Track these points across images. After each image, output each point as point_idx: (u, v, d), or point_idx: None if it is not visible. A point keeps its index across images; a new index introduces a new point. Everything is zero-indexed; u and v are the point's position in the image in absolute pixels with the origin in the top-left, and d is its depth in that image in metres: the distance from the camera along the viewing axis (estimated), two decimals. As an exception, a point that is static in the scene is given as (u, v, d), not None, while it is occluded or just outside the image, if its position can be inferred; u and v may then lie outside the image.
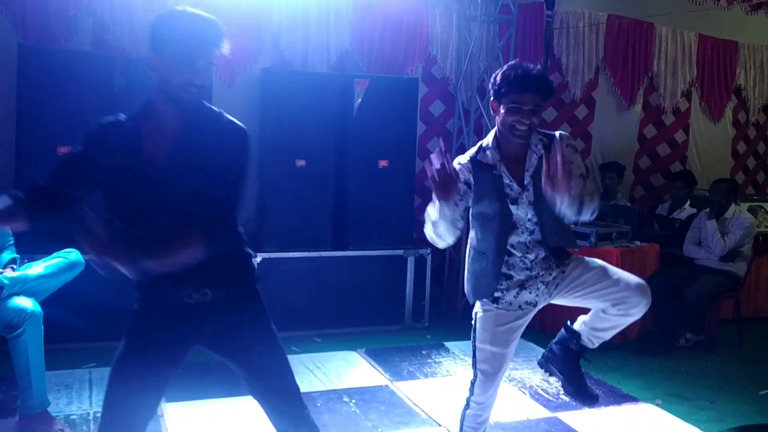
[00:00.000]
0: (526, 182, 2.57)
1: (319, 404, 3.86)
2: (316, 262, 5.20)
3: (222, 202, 2.03)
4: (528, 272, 2.63)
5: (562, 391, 4.20)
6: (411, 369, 4.53)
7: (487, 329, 2.67)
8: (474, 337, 2.72)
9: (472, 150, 2.66)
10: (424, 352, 4.90)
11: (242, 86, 5.40)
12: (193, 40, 1.98)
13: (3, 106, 4.67)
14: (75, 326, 4.16)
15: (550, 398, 4.15)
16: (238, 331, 2.14)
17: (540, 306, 2.72)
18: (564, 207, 2.44)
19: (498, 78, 2.54)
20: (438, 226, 2.51)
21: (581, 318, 2.88)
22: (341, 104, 5.27)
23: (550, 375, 3.00)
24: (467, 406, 2.75)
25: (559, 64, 6.45)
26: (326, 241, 5.25)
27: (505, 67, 2.56)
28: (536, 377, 4.49)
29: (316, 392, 4.04)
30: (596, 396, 2.95)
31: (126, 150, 2.02)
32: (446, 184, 2.33)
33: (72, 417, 3.54)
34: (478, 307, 2.72)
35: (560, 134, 2.61)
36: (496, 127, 2.61)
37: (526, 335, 5.54)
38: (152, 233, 1.97)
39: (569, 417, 3.87)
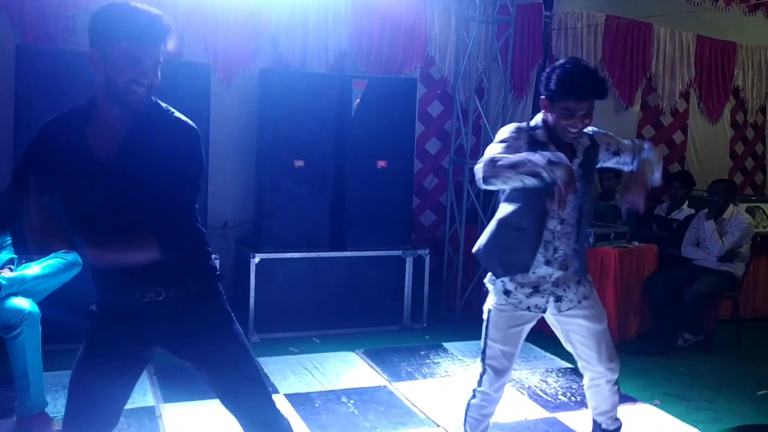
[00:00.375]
0: (573, 169, 2.48)
1: (317, 404, 3.86)
2: (314, 263, 5.19)
3: (175, 204, 1.96)
4: (546, 268, 2.67)
5: (560, 392, 4.23)
6: (409, 369, 4.53)
7: (500, 329, 2.71)
8: (486, 334, 2.75)
9: (521, 124, 2.66)
10: (422, 352, 4.90)
11: (240, 87, 5.41)
12: (138, 36, 1.86)
13: (1, 108, 4.66)
14: (73, 327, 4.14)
15: (549, 399, 4.15)
16: (196, 332, 2.06)
17: (548, 314, 2.77)
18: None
19: (553, 81, 2.50)
20: (511, 179, 2.40)
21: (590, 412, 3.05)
22: (339, 105, 5.27)
23: None
24: (473, 396, 2.79)
25: (557, 65, 6.45)
26: (324, 241, 5.24)
27: (560, 69, 2.51)
28: (534, 378, 4.49)
29: (314, 393, 4.04)
30: None
31: (73, 148, 1.95)
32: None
33: None
34: (491, 303, 2.75)
35: (594, 131, 2.75)
36: (544, 115, 2.61)
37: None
38: (104, 235, 1.92)
39: (567, 417, 3.87)
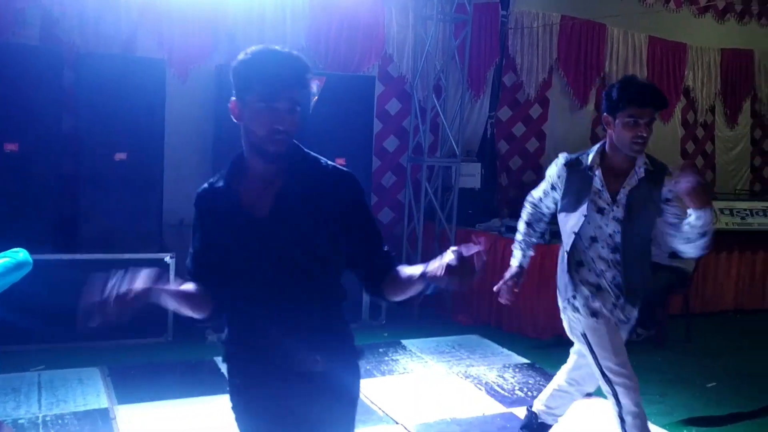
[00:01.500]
0: (619, 197, 2.67)
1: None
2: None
3: (336, 254, 1.84)
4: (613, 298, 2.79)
5: (517, 387, 4.29)
6: (368, 367, 4.54)
7: (605, 342, 2.80)
8: (597, 356, 2.82)
9: (570, 158, 2.81)
10: (381, 350, 4.91)
11: (197, 82, 5.35)
12: (272, 80, 1.73)
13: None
14: (23, 328, 4.05)
15: (506, 394, 4.20)
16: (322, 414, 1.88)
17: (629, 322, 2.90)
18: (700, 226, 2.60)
19: (615, 92, 2.61)
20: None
21: (537, 400, 3.20)
22: (297, 101, 5.24)
23: None
24: (629, 417, 2.85)
25: (513, 64, 6.53)
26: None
27: (619, 82, 2.65)
28: (492, 374, 4.54)
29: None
30: None
31: (227, 212, 1.82)
32: None
33: (20, 421, 3.45)
34: (584, 325, 2.81)
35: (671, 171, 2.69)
36: (606, 141, 2.72)
37: (482, 332, 5.61)
38: (260, 290, 1.81)
39: (524, 412, 3.91)
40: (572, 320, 2.87)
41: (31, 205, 4.49)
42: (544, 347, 5.17)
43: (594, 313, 2.77)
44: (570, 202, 2.75)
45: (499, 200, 6.52)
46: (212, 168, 5.31)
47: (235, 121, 1.80)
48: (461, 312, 5.68)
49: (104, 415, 3.59)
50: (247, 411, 1.89)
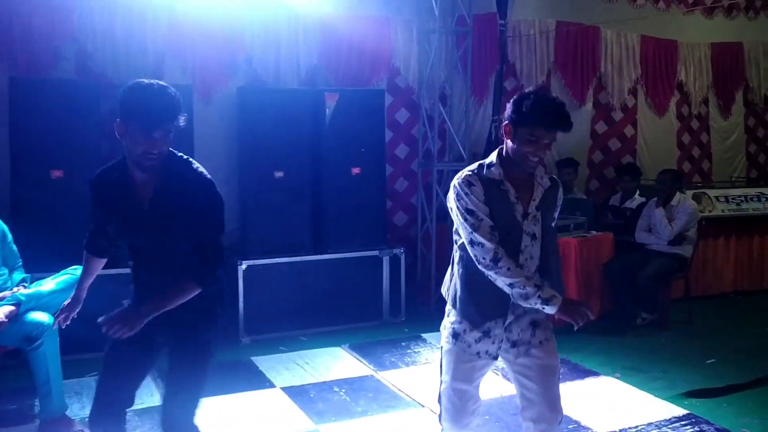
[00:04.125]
0: (530, 211, 2.52)
1: (312, 395, 4.23)
2: (297, 267, 5.55)
3: (192, 241, 2.44)
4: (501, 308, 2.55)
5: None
6: (393, 359, 4.92)
7: (448, 364, 2.64)
8: (440, 371, 2.70)
9: (473, 167, 2.58)
10: (403, 343, 5.29)
11: (219, 104, 5.72)
12: (149, 116, 2.26)
13: (-3, 138, 4.94)
14: (80, 337, 4.42)
15: (520, 377, 4.57)
16: (180, 339, 2.55)
17: (503, 360, 2.66)
18: None
19: (526, 106, 2.40)
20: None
21: None
22: (313, 117, 5.63)
23: None
24: None
25: (513, 70, 6.88)
26: (306, 245, 5.60)
27: (534, 96, 2.43)
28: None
29: (308, 384, 4.41)
30: None
31: (120, 196, 2.46)
32: None
33: (86, 420, 3.83)
34: (442, 340, 2.68)
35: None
36: (502, 149, 2.55)
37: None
38: (145, 259, 2.54)
39: (538, 392, 4.29)
40: None
41: (78, 225, 4.83)
42: (557, 333, 5.53)
43: (455, 336, 2.66)
44: (497, 215, 2.51)
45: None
46: (238, 182, 5.70)
47: (118, 137, 2.35)
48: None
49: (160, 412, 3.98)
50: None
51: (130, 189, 2.45)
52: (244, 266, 5.30)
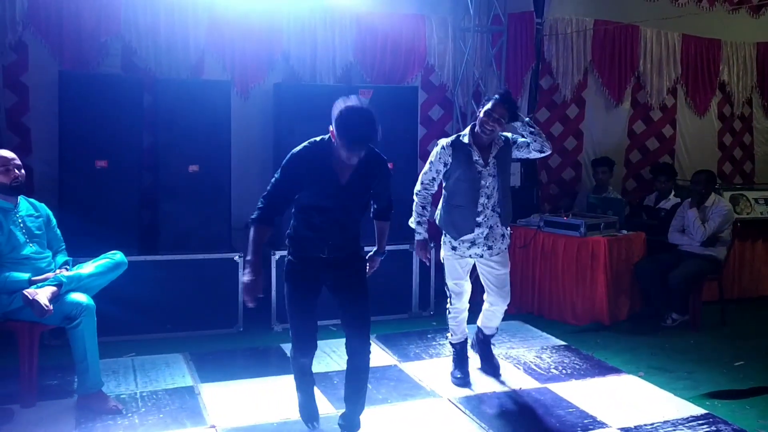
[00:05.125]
0: (490, 161, 4.09)
1: (336, 381, 4.37)
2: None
3: (366, 209, 3.46)
4: (478, 229, 4.12)
5: (553, 366, 4.70)
6: (417, 351, 5.03)
7: (448, 269, 4.31)
8: (445, 274, 4.35)
9: (452, 137, 4.15)
10: (429, 336, 5.39)
11: (257, 100, 5.91)
12: (351, 141, 2.97)
13: (47, 126, 5.20)
14: (117, 319, 4.67)
15: (542, 372, 4.63)
16: (344, 276, 3.35)
17: (483, 258, 4.23)
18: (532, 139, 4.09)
19: (482, 103, 4.11)
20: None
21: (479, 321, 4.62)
22: (348, 113, 5.75)
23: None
24: (448, 312, 4.46)
25: (549, 68, 6.90)
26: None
27: (487, 100, 4.07)
28: (530, 354, 4.97)
29: (333, 372, 4.55)
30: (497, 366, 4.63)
31: (323, 167, 3.15)
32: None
33: (122, 396, 4.06)
34: (444, 253, 4.30)
35: (513, 138, 4.19)
36: (474, 124, 4.11)
37: (524, 319, 5.96)
38: (327, 223, 3.23)
39: (557, 387, 4.35)
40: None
41: (119, 213, 5.10)
42: (582, 332, 5.56)
43: (453, 248, 4.27)
44: (462, 170, 4.04)
45: (540, 197, 6.89)
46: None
47: (330, 136, 3.13)
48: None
49: (190, 391, 4.18)
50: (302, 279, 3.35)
51: (330, 166, 3.14)
52: (276, 256, 5.46)
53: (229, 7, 5.69)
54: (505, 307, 4.44)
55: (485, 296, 4.44)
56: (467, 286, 4.37)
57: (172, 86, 5.30)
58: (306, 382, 3.65)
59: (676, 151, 7.61)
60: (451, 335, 4.54)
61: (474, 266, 4.39)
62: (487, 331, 4.62)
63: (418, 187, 4.28)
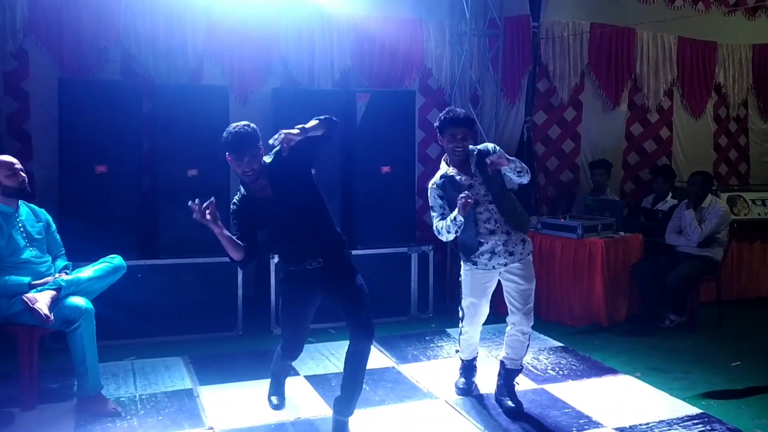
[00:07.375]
0: (473, 171, 3.90)
1: (333, 384, 4.39)
2: (327, 261, 5.70)
3: (312, 210, 3.56)
4: (494, 237, 3.88)
5: (549, 367, 4.73)
6: (415, 353, 5.06)
7: (467, 285, 4.04)
8: (461, 291, 4.10)
9: (435, 178, 3.98)
10: (427, 337, 5.42)
11: (255, 104, 5.94)
12: (234, 149, 3.30)
13: (47, 132, 5.25)
14: (117, 323, 4.70)
15: (539, 373, 4.66)
16: (338, 283, 3.56)
17: (507, 267, 3.95)
18: (510, 173, 3.84)
19: (438, 122, 3.90)
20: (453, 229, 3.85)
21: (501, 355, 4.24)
22: (345, 117, 5.78)
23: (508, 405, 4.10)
24: (461, 332, 4.23)
25: (546, 71, 6.94)
26: (336, 241, 5.76)
27: (441, 114, 3.89)
28: (527, 356, 4.97)
29: (331, 374, 4.58)
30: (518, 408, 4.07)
31: (253, 200, 3.44)
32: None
33: (121, 399, 4.10)
34: (463, 268, 4.05)
35: (494, 147, 3.89)
36: (446, 155, 4.00)
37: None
38: (297, 237, 3.48)
39: (553, 388, 4.38)
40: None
41: (118, 217, 5.14)
42: (579, 333, 5.59)
43: (474, 263, 4.01)
44: (453, 197, 3.80)
45: (538, 199, 6.93)
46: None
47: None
48: (503, 303, 6.10)
49: (189, 394, 4.21)
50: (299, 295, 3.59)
51: (253, 197, 3.43)
52: (275, 260, 5.49)
53: (227, 13, 5.75)
54: (530, 332, 4.05)
55: (508, 318, 4.06)
56: (483, 310, 4.09)
57: (171, 92, 5.35)
58: (283, 374, 4.08)
59: (672, 153, 7.64)
60: (461, 352, 4.36)
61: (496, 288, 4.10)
62: (509, 364, 4.10)
63: (436, 227, 3.95)
